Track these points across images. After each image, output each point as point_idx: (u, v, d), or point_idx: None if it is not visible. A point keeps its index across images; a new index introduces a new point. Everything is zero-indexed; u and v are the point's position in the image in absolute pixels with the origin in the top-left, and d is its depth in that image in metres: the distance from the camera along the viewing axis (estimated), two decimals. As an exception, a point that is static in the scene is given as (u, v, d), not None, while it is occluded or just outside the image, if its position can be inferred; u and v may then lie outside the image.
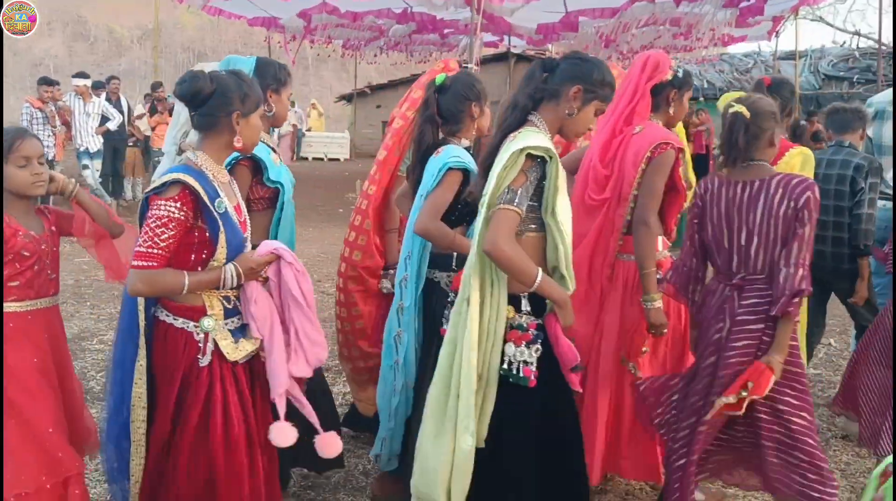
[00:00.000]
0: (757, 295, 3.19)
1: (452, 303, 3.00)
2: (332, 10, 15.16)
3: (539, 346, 2.76)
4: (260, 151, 3.29)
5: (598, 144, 3.77)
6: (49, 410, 2.86)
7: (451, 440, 2.70)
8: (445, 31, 17.79)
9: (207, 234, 2.68)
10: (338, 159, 23.90)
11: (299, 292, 2.84)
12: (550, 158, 2.75)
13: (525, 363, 2.74)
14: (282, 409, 2.75)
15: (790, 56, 17.84)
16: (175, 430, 2.70)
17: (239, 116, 2.75)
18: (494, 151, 2.84)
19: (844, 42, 21.13)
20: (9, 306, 2.82)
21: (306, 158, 23.38)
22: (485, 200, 2.76)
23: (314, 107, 26.79)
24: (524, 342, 2.75)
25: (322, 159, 23.78)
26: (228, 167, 3.03)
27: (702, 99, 18.89)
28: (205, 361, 2.70)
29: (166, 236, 2.58)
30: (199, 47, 38.28)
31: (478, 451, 2.70)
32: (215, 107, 2.73)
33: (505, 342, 2.75)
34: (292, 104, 22.10)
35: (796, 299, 3.06)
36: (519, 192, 2.71)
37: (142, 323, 2.74)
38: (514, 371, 2.74)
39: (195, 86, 2.70)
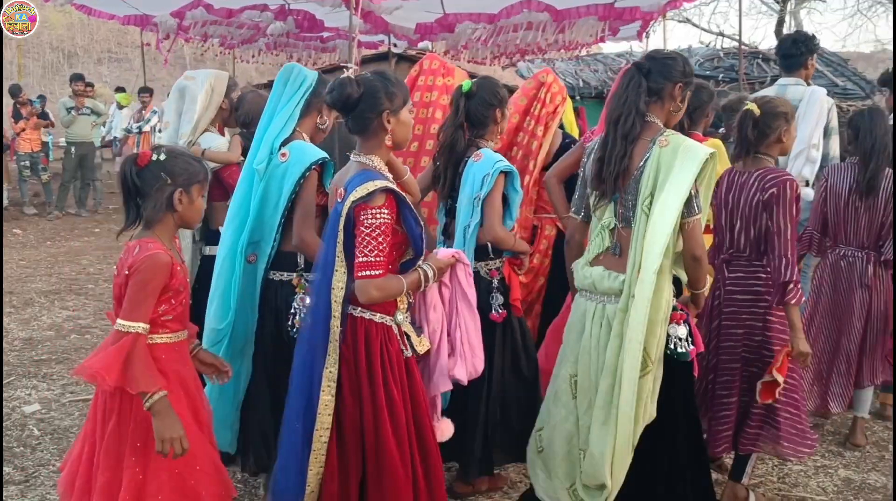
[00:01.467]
0: (742, 270, 3.67)
1: (494, 289, 3.62)
2: (206, 7, 14.67)
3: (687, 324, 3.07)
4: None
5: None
6: (201, 450, 2.74)
7: (614, 426, 2.89)
8: (325, 34, 17.55)
9: (403, 234, 2.82)
10: (218, 161, 23.21)
11: (473, 295, 3.00)
12: (712, 156, 2.98)
13: (680, 339, 3.02)
14: (439, 407, 2.98)
15: (660, 56, 18.34)
16: (379, 422, 2.73)
17: (389, 115, 2.84)
18: (622, 157, 2.98)
19: (710, 42, 21.92)
20: (160, 338, 2.68)
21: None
22: (650, 201, 2.90)
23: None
24: (682, 321, 3.04)
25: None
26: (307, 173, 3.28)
27: (578, 97, 19.26)
28: (408, 353, 2.84)
29: (383, 242, 2.69)
30: (69, 47, 36.54)
31: (645, 431, 2.95)
32: (366, 109, 2.84)
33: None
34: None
35: (790, 289, 3.38)
36: (697, 196, 2.99)
37: (336, 330, 2.76)
38: (679, 349, 3.02)
39: (344, 92, 2.81)
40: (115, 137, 16.19)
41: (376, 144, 2.89)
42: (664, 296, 2.92)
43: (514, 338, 3.82)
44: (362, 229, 2.70)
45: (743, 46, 17.10)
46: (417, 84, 4.84)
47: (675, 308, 3.06)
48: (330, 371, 2.77)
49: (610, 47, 20.11)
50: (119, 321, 2.52)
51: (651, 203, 2.90)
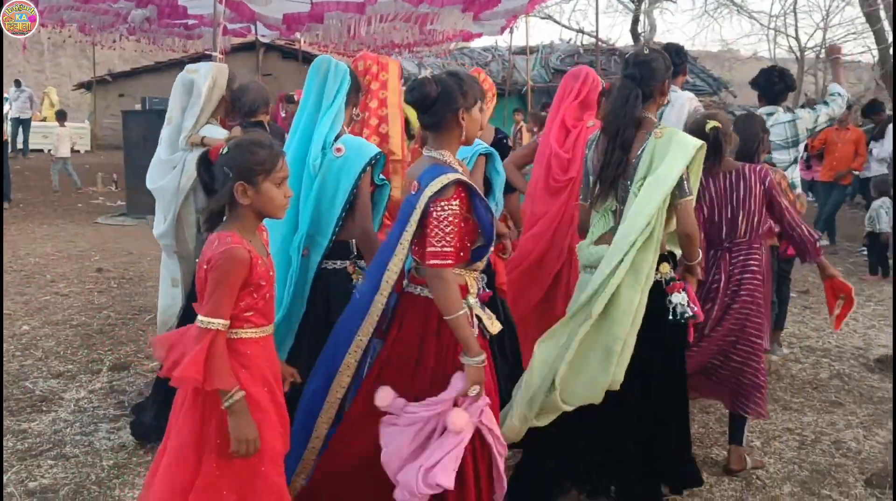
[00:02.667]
0: (744, 254, 4.01)
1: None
2: (60, -10, 14.06)
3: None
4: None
5: (552, 138, 4.43)
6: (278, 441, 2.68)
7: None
8: (190, 22, 17.07)
9: (474, 222, 2.89)
10: (78, 151, 22.23)
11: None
12: (701, 147, 3.29)
13: (681, 304, 3.30)
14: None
15: (523, 51, 18.80)
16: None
17: (463, 112, 2.92)
18: (618, 163, 3.30)
19: (570, 39, 22.61)
20: (245, 333, 2.59)
21: (42, 150, 21.59)
22: (640, 186, 3.21)
23: (47, 95, 24.63)
24: (680, 289, 3.32)
25: (60, 151, 22.04)
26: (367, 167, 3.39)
27: (445, 90, 19.48)
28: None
29: (452, 233, 2.78)
30: (-88, 29, 34.13)
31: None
32: (442, 107, 2.91)
33: (668, 293, 3.31)
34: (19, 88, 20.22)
35: (818, 246, 4.03)
36: (688, 180, 3.27)
37: (379, 306, 2.91)
38: (681, 312, 3.29)
39: (424, 91, 2.89)
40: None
41: (449, 139, 2.98)
42: (645, 267, 3.19)
43: (498, 317, 3.81)
44: (433, 220, 2.79)
45: (600, 43, 17.74)
46: (364, 81, 4.77)
47: (673, 279, 3.34)
48: (360, 339, 2.95)
49: (476, 42, 20.40)
50: (199, 317, 2.47)
51: (641, 186, 3.22)
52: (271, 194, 2.61)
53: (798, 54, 18.92)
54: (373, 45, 17.52)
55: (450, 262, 2.78)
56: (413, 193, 2.86)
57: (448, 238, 2.77)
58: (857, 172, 10.51)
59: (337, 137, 3.49)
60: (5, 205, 12.21)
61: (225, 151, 2.59)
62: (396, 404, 2.84)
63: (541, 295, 4.42)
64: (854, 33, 19.23)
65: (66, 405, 4.61)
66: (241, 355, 2.57)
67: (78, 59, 33.35)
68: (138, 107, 13.70)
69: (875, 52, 15.36)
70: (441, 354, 2.90)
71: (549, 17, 22.74)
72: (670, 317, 3.30)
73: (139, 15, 15.39)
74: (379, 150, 3.53)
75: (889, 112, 12.19)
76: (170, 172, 4.05)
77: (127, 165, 12.03)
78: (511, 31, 18.13)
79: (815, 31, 19.79)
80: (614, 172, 3.33)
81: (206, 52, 18.66)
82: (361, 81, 4.46)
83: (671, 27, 67.70)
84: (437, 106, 2.92)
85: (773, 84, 5.21)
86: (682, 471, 3.52)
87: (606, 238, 3.37)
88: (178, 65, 23.04)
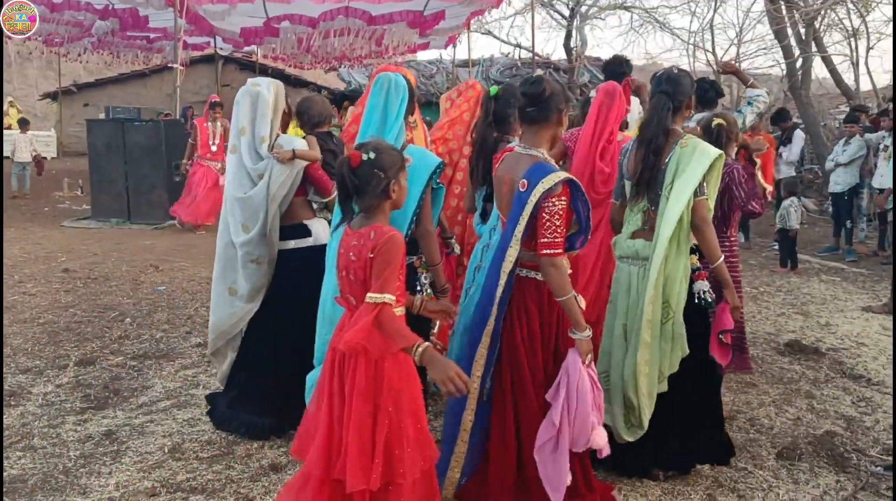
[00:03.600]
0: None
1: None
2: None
3: None
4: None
5: (589, 150, 4.41)
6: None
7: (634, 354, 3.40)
8: (152, 35, 16.76)
9: (573, 214, 3.00)
10: (44, 158, 21.62)
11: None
12: (720, 156, 3.45)
13: (703, 291, 3.49)
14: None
15: (466, 64, 18.84)
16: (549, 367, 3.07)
17: (563, 114, 3.08)
18: (652, 168, 3.45)
19: (509, 53, 22.69)
20: (398, 311, 2.72)
21: (9, 157, 20.94)
22: (671, 189, 3.39)
23: (12, 104, 23.89)
24: (704, 278, 3.51)
25: (27, 158, 21.42)
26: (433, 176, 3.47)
27: (394, 100, 19.40)
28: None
29: (561, 225, 2.93)
30: None
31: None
32: (552, 105, 3.05)
33: (693, 281, 3.47)
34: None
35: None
36: (708, 184, 3.44)
37: (499, 295, 3.00)
38: (705, 297, 3.49)
39: (541, 87, 3.04)
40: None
41: (545, 137, 3.10)
42: (682, 260, 3.41)
43: None
44: (544, 215, 2.92)
45: (536, 57, 17.87)
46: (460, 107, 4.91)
47: (698, 268, 3.50)
48: (488, 328, 3.04)
49: (422, 55, 20.40)
50: (369, 294, 2.58)
51: (671, 190, 3.40)
52: (405, 187, 2.84)
53: (715, 67, 19.28)
54: (326, 58, 17.43)
55: (560, 251, 2.94)
56: (522, 190, 2.96)
57: (558, 230, 2.93)
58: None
59: (402, 148, 3.49)
60: None
61: (372, 156, 2.72)
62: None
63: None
64: (765, 48, 19.59)
65: (34, 399, 4.48)
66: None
67: (44, 70, 32.36)
68: (102, 116, 13.36)
69: (783, 66, 15.73)
70: (558, 332, 3.11)
71: (490, 33, 22.76)
72: (695, 301, 3.49)
73: (103, 26, 15.07)
74: (440, 159, 3.61)
75: (795, 120, 12.51)
76: (257, 181, 3.92)
77: (91, 170, 11.76)
78: (454, 45, 18.20)
79: (729, 47, 20.21)
80: (648, 176, 3.50)
81: (168, 65, 18.44)
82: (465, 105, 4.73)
83: (601, 42, 68.33)
84: (548, 103, 3.06)
85: (706, 92, 5.35)
86: (716, 446, 3.67)
87: (639, 234, 3.59)
88: (139, 76, 22.69)
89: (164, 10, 12.33)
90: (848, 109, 13.36)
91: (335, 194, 3.73)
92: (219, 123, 10.68)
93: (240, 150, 3.96)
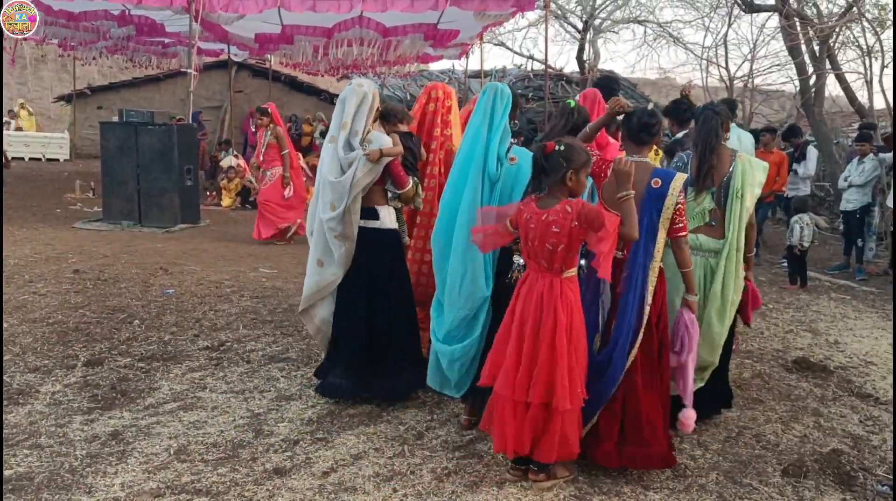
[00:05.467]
0: None
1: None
2: (45, 9, 13.76)
3: None
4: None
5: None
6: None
7: (725, 326, 4.28)
8: (167, 41, 16.88)
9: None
10: (57, 160, 21.81)
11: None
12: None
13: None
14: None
15: (478, 75, 18.88)
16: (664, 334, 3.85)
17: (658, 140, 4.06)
18: (706, 174, 4.23)
19: (522, 65, 22.75)
20: (572, 272, 3.54)
21: (23, 158, 21.12)
22: (741, 194, 4.22)
23: (23, 107, 24.08)
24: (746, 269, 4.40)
25: (40, 159, 21.58)
26: None
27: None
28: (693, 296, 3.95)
29: (685, 212, 3.78)
30: None
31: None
32: (658, 132, 3.92)
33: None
34: None
35: None
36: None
37: (654, 271, 3.70)
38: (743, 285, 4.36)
39: (655, 119, 3.86)
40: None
41: (647, 152, 3.89)
42: (742, 250, 4.30)
43: None
44: (680, 206, 3.71)
45: (549, 69, 17.89)
46: (427, 109, 5.13)
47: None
48: (647, 297, 3.70)
49: (434, 65, 20.46)
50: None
51: (742, 194, 4.22)
52: (583, 181, 3.54)
53: (728, 83, 19.26)
54: (339, 66, 17.51)
55: (686, 233, 3.78)
56: (656, 187, 3.71)
57: (684, 218, 3.74)
58: (781, 192, 10.69)
59: (508, 147, 4.10)
60: None
61: (562, 148, 3.44)
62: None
63: None
64: (778, 65, 19.53)
65: (42, 397, 4.52)
66: (575, 292, 3.52)
67: (59, 73, 32.64)
68: (115, 119, 13.44)
69: (797, 83, 15.72)
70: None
71: (503, 44, 22.82)
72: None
73: (120, 32, 15.19)
74: None
75: (807, 137, 12.48)
76: (347, 169, 4.42)
77: (104, 173, 11.80)
78: (467, 56, 18.25)
79: (743, 62, 20.14)
80: (707, 180, 4.23)
81: (181, 70, 18.55)
82: (427, 106, 5.17)
83: (614, 55, 68.52)
84: (658, 130, 3.89)
85: (683, 111, 5.39)
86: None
87: (702, 229, 4.29)
88: (153, 80, 22.83)
89: (180, 15, 12.40)
90: (860, 127, 13.33)
91: (409, 186, 4.57)
92: (268, 132, 10.04)
93: (338, 140, 4.48)
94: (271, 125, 9.99)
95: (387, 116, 4.79)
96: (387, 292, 4.53)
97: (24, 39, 15.89)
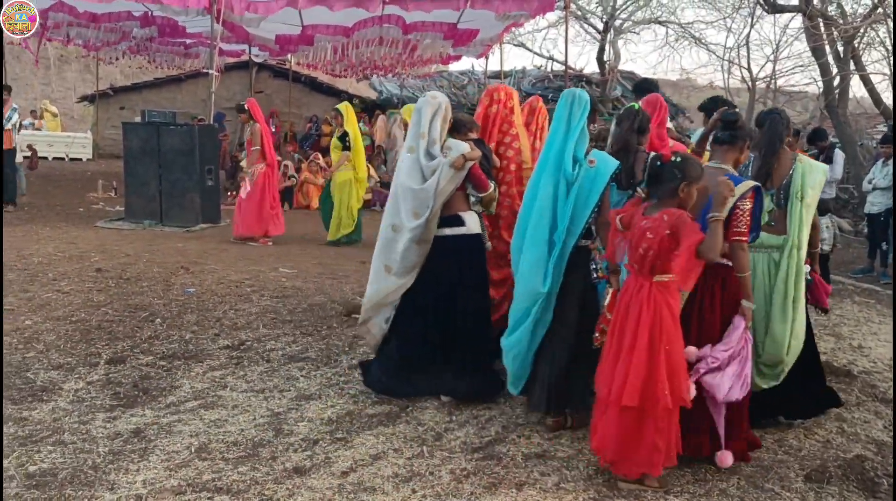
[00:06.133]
0: None
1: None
2: (69, 10, 13.93)
3: None
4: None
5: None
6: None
7: (791, 321, 4.31)
8: (188, 41, 17.02)
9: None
10: (80, 159, 22.04)
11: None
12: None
13: (806, 272, 4.38)
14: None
15: (498, 75, 18.87)
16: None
17: (747, 145, 4.11)
18: (766, 176, 4.35)
19: (541, 65, 22.73)
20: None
21: (46, 158, 21.35)
22: (801, 195, 4.31)
23: (46, 108, 24.35)
24: (808, 263, 4.41)
25: (63, 159, 21.82)
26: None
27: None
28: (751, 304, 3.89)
29: (748, 219, 3.72)
30: (-76, 41, 33.50)
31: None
32: (741, 134, 3.99)
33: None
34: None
35: None
36: None
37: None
38: (809, 277, 4.43)
39: (735, 117, 4.03)
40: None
41: (731, 158, 3.97)
42: (803, 249, 4.37)
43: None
44: (738, 211, 3.69)
45: (569, 70, 17.85)
46: (490, 112, 5.32)
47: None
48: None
49: (454, 66, 20.46)
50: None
51: (802, 195, 4.31)
52: (693, 195, 3.61)
53: (750, 84, 19.15)
54: (358, 66, 17.55)
55: (746, 239, 3.73)
56: None
57: (746, 223, 3.70)
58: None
59: (587, 151, 4.25)
60: (10, 208, 12.04)
61: (678, 160, 3.60)
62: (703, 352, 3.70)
63: None
64: (801, 66, 19.45)
65: (66, 395, 4.57)
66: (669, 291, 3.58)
67: (82, 73, 32.94)
68: (138, 119, 13.57)
69: (820, 84, 15.60)
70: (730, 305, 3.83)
71: (522, 45, 22.83)
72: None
73: (142, 33, 15.33)
74: (618, 162, 4.23)
75: (832, 139, 12.37)
76: (429, 176, 4.57)
77: (126, 173, 11.93)
78: (486, 57, 18.24)
79: (765, 63, 20.02)
80: (768, 184, 4.35)
81: (203, 70, 18.70)
82: (490, 107, 5.35)
83: (634, 56, 68.15)
84: (740, 131, 3.94)
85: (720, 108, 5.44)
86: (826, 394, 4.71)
87: (764, 228, 4.26)
88: (175, 81, 23.03)
89: (204, 16, 12.49)
90: (886, 129, 13.20)
91: (491, 189, 4.75)
92: (247, 128, 10.53)
93: (418, 150, 4.62)
94: (250, 122, 10.18)
95: (458, 127, 4.92)
96: (467, 298, 4.63)
97: (49, 40, 16.10)
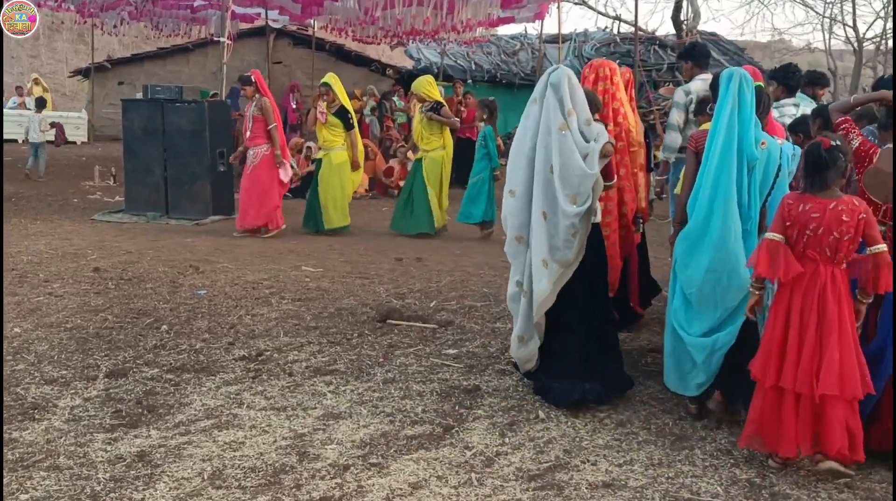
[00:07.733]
0: None
1: None
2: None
3: None
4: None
5: None
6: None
7: None
8: (196, 4, 17.17)
9: None
10: (74, 143, 22.44)
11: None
12: None
13: None
14: None
15: (555, 40, 18.81)
16: None
17: None
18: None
19: (606, 27, 22.56)
20: None
21: (25, 139, 21.75)
22: None
23: (37, 82, 24.67)
24: None
25: (53, 142, 22.22)
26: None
27: (470, 81, 19.50)
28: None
29: None
30: None
31: None
32: None
33: None
34: None
35: None
36: None
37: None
38: None
39: None
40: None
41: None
42: None
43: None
44: None
45: (640, 32, 17.68)
46: (597, 88, 5.72)
47: None
48: None
49: (503, 29, 20.41)
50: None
51: None
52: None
53: (855, 45, 18.77)
54: (393, 31, 17.55)
55: None
56: None
57: None
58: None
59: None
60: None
61: (838, 143, 4.05)
62: None
63: None
64: (919, 23, 18.93)
65: (60, 413, 4.65)
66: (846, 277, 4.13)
67: (75, 43, 33.55)
68: (139, 95, 13.76)
69: (942, 44, 15.20)
70: None
71: (584, 4, 22.70)
72: None
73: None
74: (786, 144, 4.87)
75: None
76: (585, 160, 4.83)
77: (126, 157, 12.06)
78: (542, 19, 18.13)
79: (874, 20, 19.58)
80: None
81: (213, 38, 18.90)
82: (597, 84, 5.76)
83: (717, 15, 67.25)
84: None
85: (792, 75, 5.70)
86: None
87: None
88: (181, 51, 23.28)
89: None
90: None
91: (615, 179, 5.21)
92: (254, 103, 10.30)
93: (570, 128, 4.85)
94: (256, 95, 10.10)
95: (593, 108, 5.17)
96: (604, 285, 5.17)
97: (38, 6, 16.45)
